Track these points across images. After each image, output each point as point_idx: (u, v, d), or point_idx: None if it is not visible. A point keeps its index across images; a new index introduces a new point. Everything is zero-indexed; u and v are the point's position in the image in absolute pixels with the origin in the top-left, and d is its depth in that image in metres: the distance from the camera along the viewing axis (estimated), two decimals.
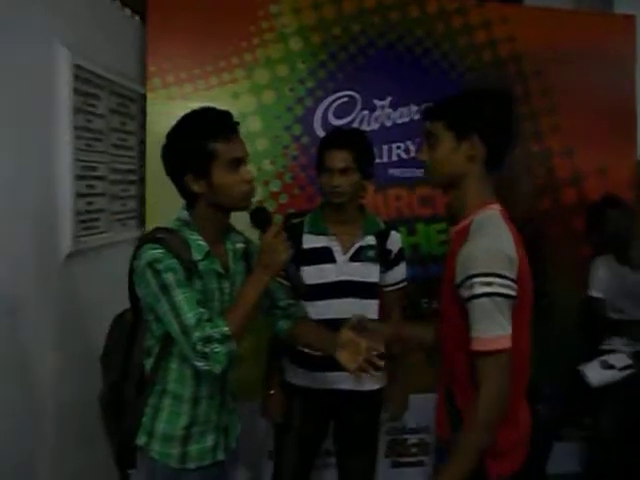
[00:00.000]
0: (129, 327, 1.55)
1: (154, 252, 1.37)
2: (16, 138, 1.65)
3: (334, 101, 2.72)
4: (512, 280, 1.23)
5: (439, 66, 2.81)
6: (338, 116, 2.72)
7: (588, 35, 2.95)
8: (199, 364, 1.34)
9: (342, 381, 1.91)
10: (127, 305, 2.47)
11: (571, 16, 3.03)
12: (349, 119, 2.73)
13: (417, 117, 2.76)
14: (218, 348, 1.32)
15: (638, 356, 2.44)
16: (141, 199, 2.60)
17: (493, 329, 1.22)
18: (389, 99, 2.76)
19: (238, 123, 1.48)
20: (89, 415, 2.08)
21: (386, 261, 2.03)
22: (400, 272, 2.08)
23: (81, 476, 2.07)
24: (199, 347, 1.31)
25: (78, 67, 1.95)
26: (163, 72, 2.57)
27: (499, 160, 1.35)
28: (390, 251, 2.03)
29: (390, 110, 2.76)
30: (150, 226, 2.54)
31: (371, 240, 1.99)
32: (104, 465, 2.28)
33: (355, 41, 2.74)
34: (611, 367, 2.53)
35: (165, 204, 2.53)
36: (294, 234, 1.90)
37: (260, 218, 1.46)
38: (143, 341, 1.51)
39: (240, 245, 1.60)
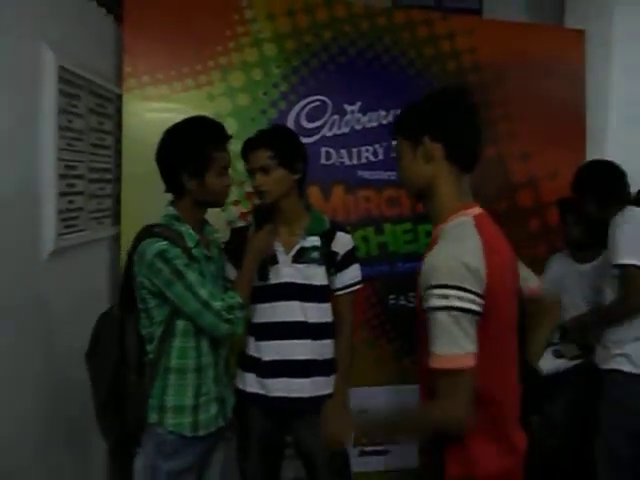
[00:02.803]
0: (118, 320, 1.65)
1: (160, 244, 1.58)
2: (1, 137, 1.69)
3: (306, 105, 2.82)
4: (475, 294, 1.16)
5: (406, 73, 2.95)
6: (310, 119, 2.82)
7: (542, 47, 3.16)
8: (224, 328, 1.61)
9: (291, 388, 1.87)
10: (105, 301, 2.54)
11: (527, 29, 3.23)
12: (320, 122, 2.84)
13: (385, 121, 2.89)
14: (239, 314, 1.63)
15: (586, 347, 2.63)
16: (116, 198, 2.64)
17: (449, 347, 1.16)
18: (359, 104, 2.88)
19: (230, 136, 1.75)
20: (74, 413, 2.13)
21: (333, 263, 1.95)
22: (349, 275, 1.98)
23: (67, 473, 2.11)
24: (224, 314, 1.59)
25: (62, 68, 1.99)
26: (139, 73, 2.61)
27: (465, 155, 1.30)
28: (336, 253, 1.94)
29: (360, 115, 2.89)
30: (125, 224, 2.59)
31: (315, 241, 1.92)
32: (91, 462, 2.33)
33: (327, 48, 2.85)
34: (562, 356, 2.72)
35: (140, 203, 2.61)
36: (238, 237, 1.96)
37: (263, 215, 1.80)
38: (133, 331, 1.66)
39: (217, 235, 1.90)
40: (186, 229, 1.68)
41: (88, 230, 2.33)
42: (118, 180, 2.63)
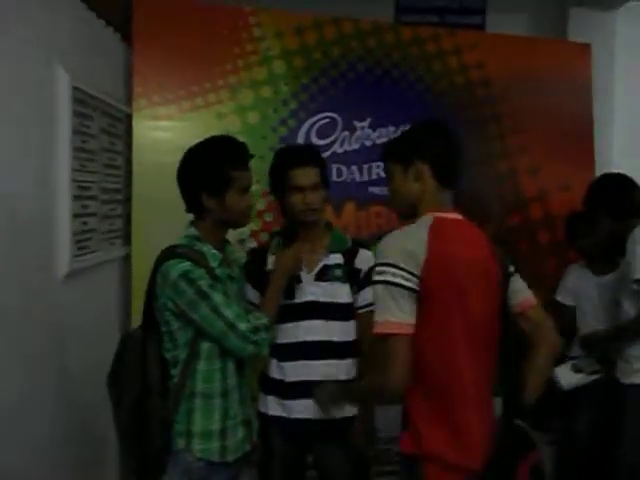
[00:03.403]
0: (141, 344, 1.61)
1: (183, 265, 1.54)
2: (17, 158, 1.67)
3: (316, 122, 2.82)
4: (409, 272, 1.35)
5: (415, 89, 2.95)
6: (320, 136, 2.82)
7: (550, 61, 3.17)
8: (249, 350, 1.58)
9: (310, 410, 1.81)
10: (116, 322, 2.52)
11: (534, 43, 3.25)
12: (331, 139, 2.83)
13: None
14: (264, 335, 1.60)
15: (606, 361, 2.60)
16: (127, 218, 2.61)
17: (382, 314, 1.34)
18: (368, 120, 2.88)
19: (252, 155, 1.72)
20: (88, 434, 2.09)
21: (355, 281, 1.93)
22: (371, 293, 1.98)
23: None
24: (250, 336, 1.56)
25: (76, 89, 1.98)
26: (149, 92, 2.60)
27: (447, 173, 1.51)
28: (359, 270, 1.93)
29: (370, 131, 2.88)
30: (136, 245, 2.56)
31: (337, 258, 1.91)
32: None
33: (335, 65, 2.85)
34: (581, 371, 2.69)
35: (150, 223, 2.59)
36: (258, 257, 1.94)
37: (291, 233, 1.80)
38: (156, 354, 1.62)
39: (238, 255, 1.87)
40: (208, 249, 1.64)
41: (100, 251, 2.30)
42: (128, 200, 2.61)
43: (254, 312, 1.65)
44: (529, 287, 1.62)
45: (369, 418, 1.93)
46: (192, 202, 1.67)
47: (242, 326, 1.55)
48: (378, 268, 1.38)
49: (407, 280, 1.35)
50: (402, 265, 1.35)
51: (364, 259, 1.94)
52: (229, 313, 1.55)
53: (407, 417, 1.43)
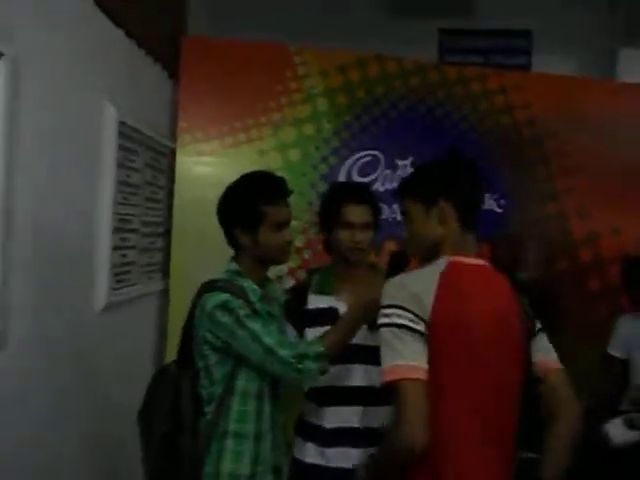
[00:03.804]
0: (174, 379, 1.57)
1: (222, 296, 1.52)
2: (62, 190, 1.69)
3: (358, 160, 2.79)
4: (414, 314, 1.22)
5: (458, 128, 2.91)
6: (362, 174, 2.79)
7: (600, 101, 3.08)
8: (292, 375, 1.50)
9: (350, 459, 1.70)
10: (152, 357, 2.48)
11: (582, 83, 3.18)
12: (372, 177, 2.80)
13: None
14: (312, 365, 1.49)
15: None
16: (167, 251, 2.61)
17: (390, 359, 1.21)
18: (410, 158, 2.84)
19: (291, 191, 1.66)
20: (115, 470, 2.04)
21: None
22: None
23: None
24: (292, 362, 1.48)
25: (122, 123, 2.00)
26: (193, 128, 2.64)
27: (470, 217, 1.36)
28: None
29: (411, 169, 2.83)
30: (174, 278, 2.55)
31: None
32: None
33: (378, 103, 2.84)
34: (635, 426, 2.51)
35: (189, 257, 2.59)
36: (299, 295, 1.87)
37: (398, 262, 1.62)
38: (189, 390, 1.57)
39: (279, 293, 1.81)
40: (249, 284, 1.60)
41: (139, 284, 2.29)
42: (168, 234, 2.61)
43: (311, 339, 1.59)
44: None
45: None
46: (229, 238, 1.65)
47: (282, 352, 1.49)
48: (383, 310, 1.26)
49: (415, 323, 1.22)
50: (407, 306, 1.23)
51: None
52: (269, 340, 1.49)
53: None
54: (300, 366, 1.48)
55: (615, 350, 2.74)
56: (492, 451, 1.27)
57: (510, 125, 2.97)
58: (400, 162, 2.84)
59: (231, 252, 1.69)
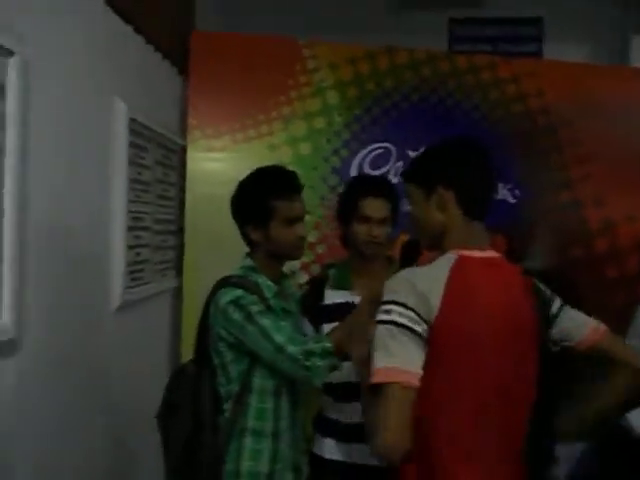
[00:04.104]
0: (193, 378, 1.56)
1: (235, 292, 1.51)
2: (75, 189, 1.68)
3: (369, 152, 2.77)
4: (418, 315, 1.13)
5: (470, 118, 2.87)
6: (374, 167, 2.76)
7: (613, 88, 3.03)
8: (300, 375, 1.47)
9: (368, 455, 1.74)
10: (168, 356, 2.48)
11: (595, 70, 3.13)
12: (384, 170, 2.77)
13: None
14: (320, 362, 1.44)
15: None
16: (179, 249, 2.61)
17: (382, 359, 1.12)
18: (422, 150, 2.80)
19: (302, 185, 1.64)
20: (135, 470, 2.04)
21: None
22: None
23: None
24: (300, 359, 1.44)
25: (133, 120, 1.99)
26: (203, 125, 2.62)
27: (475, 202, 1.29)
28: None
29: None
30: (187, 276, 2.54)
31: None
32: None
33: (388, 95, 2.81)
34: None
35: (202, 254, 2.58)
36: (316, 289, 1.86)
37: (410, 252, 1.58)
38: (208, 388, 1.57)
39: (295, 289, 1.80)
40: (263, 280, 1.59)
41: (153, 282, 2.29)
42: (180, 231, 2.60)
43: (318, 336, 1.56)
44: None
45: None
46: (243, 234, 1.64)
47: (291, 349, 1.45)
48: (384, 306, 1.16)
49: (416, 324, 1.13)
50: (411, 305, 1.14)
51: None
52: (278, 337, 1.46)
53: None
54: (308, 363, 1.45)
55: (634, 340, 2.70)
56: (506, 466, 1.20)
57: (523, 113, 2.92)
58: (412, 154, 2.80)
59: (245, 248, 1.68)
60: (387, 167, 2.78)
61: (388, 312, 1.15)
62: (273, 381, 1.56)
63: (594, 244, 2.96)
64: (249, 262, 1.63)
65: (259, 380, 1.55)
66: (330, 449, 1.78)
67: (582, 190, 2.94)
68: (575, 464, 2.76)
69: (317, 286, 1.87)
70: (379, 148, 2.78)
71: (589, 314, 2.95)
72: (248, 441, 1.54)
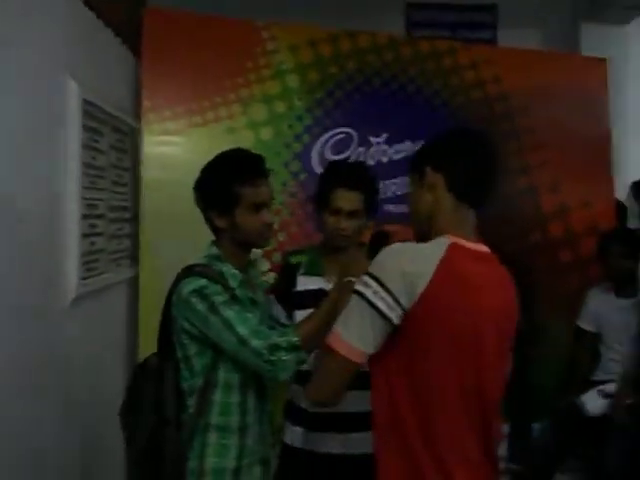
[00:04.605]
0: (156, 372, 1.49)
1: (199, 281, 1.44)
2: (25, 173, 1.55)
3: (331, 137, 2.72)
4: (394, 299, 1.11)
5: (431, 104, 2.87)
6: (335, 152, 2.72)
7: (566, 75, 3.10)
8: (264, 370, 1.40)
9: (346, 444, 1.69)
10: (126, 349, 2.38)
11: (551, 57, 3.19)
12: (346, 155, 2.73)
13: (412, 153, 2.78)
14: (285, 356, 1.39)
15: (634, 385, 2.48)
16: (135, 237, 2.49)
17: (341, 328, 1.14)
18: (384, 136, 2.79)
19: (269, 169, 1.57)
20: (95, 468, 1.95)
21: None
22: None
23: None
24: (264, 353, 1.38)
25: (86, 102, 1.87)
26: (158, 107, 2.50)
27: (466, 188, 1.26)
28: None
29: (386, 146, 2.79)
30: (144, 265, 2.44)
31: None
32: None
33: (351, 79, 2.77)
34: (608, 396, 2.57)
35: (159, 242, 2.47)
36: (289, 275, 1.83)
37: (380, 244, 1.47)
38: (172, 383, 1.50)
39: (262, 278, 1.74)
40: (228, 269, 1.52)
41: (108, 273, 2.17)
42: (135, 219, 2.49)
43: (285, 328, 1.50)
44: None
45: None
46: (207, 221, 1.56)
47: (255, 342, 1.39)
48: (366, 277, 1.14)
49: (389, 308, 1.10)
50: (392, 287, 1.11)
51: None
52: (243, 329, 1.40)
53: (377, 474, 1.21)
54: (272, 358, 1.39)
55: (585, 324, 2.80)
56: (488, 467, 1.21)
57: (482, 100, 2.94)
58: (374, 139, 2.78)
59: (203, 235, 1.59)
60: (349, 152, 2.74)
61: (367, 286, 1.13)
62: (239, 374, 1.49)
63: (549, 229, 3.03)
64: (213, 250, 1.55)
65: (224, 374, 1.49)
66: (299, 438, 1.75)
67: (538, 176, 3.00)
68: (533, 440, 2.85)
69: (289, 272, 1.82)
70: (341, 133, 2.73)
71: (544, 298, 3.05)
72: (213, 437, 1.48)
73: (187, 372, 1.50)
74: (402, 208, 2.78)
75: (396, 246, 1.19)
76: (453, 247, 1.17)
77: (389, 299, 1.11)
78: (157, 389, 1.49)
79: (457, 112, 2.88)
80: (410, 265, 1.12)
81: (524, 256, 2.96)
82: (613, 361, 2.69)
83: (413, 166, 1.32)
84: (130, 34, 2.43)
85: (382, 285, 1.11)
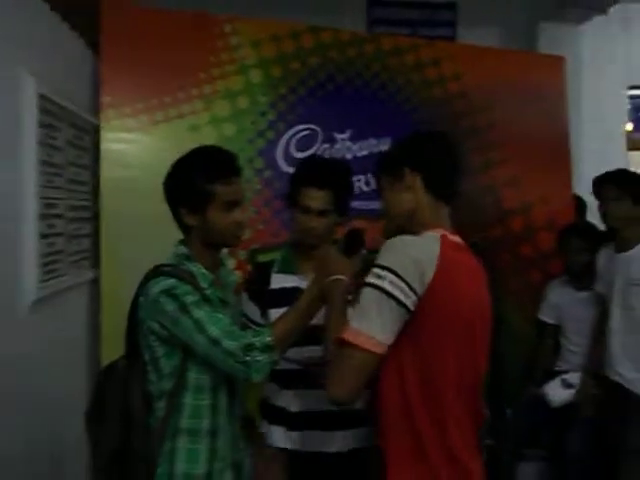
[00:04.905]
0: (122, 376, 1.46)
1: (168, 282, 1.40)
2: None
3: (295, 134, 2.70)
4: (410, 287, 1.15)
5: (394, 100, 2.88)
6: (300, 149, 2.70)
7: (525, 73, 3.15)
8: (238, 370, 1.37)
9: (322, 443, 1.69)
10: (88, 352, 2.31)
11: (510, 55, 3.24)
12: (311, 152, 2.71)
13: (377, 150, 2.80)
14: (259, 357, 1.36)
15: (595, 375, 2.56)
16: (95, 237, 2.42)
17: (361, 322, 1.15)
18: (349, 132, 2.78)
19: (241, 168, 1.54)
20: (59, 475, 1.89)
21: None
22: None
23: None
24: (238, 354, 1.35)
25: (42, 97, 1.80)
26: (118, 103, 2.43)
27: (442, 186, 1.33)
28: None
29: (350, 143, 2.78)
30: (106, 266, 2.37)
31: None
32: None
33: (314, 75, 2.75)
34: (570, 386, 2.64)
35: (121, 242, 2.40)
36: (262, 273, 1.81)
37: (354, 242, 1.48)
38: (140, 386, 1.46)
39: (233, 278, 1.68)
40: (198, 269, 1.49)
41: (69, 275, 2.11)
42: (95, 218, 2.42)
43: (260, 328, 1.47)
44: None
45: None
46: (176, 219, 1.52)
47: (227, 343, 1.36)
48: (377, 270, 1.16)
49: (405, 295, 1.14)
50: (405, 276, 1.14)
51: None
52: (214, 330, 1.37)
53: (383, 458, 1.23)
54: (247, 358, 1.35)
55: (546, 316, 2.87)
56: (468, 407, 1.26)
57: (443, 97, 2.97)
58: (338, 136, 2.77)
59: (168, 235, 1.55)
60: (314, 149, 2.72)
61: (381, 277, 1.15)
62: (210, 376, 1.46)
63: (510, 225, 3.09)
64: (183, 250, 1.51)
65: (194, 375, 1.45)
66: (280, 438, 1.73)
67: (498, 173, 3.05)
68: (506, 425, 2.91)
69: (263, 270, 1.80)
70: (305, 129, 2.72)
71: (507, 291, 3.10)
72: (183, 441, 1.45)
73: (155, 375, 1.46)
74: (368, 204, 2.79)
75: (399, 238, 1.23)
76: (444, 239, 1.24)
77: (405, 287, 1.15)
78: (124, 393, 1.46)
79: (419, 109, 2.90)
80: (420, 254, 1.18)
81: (487, 251, 3.01)
82: (572, 352, 2.77)
83: (387, 167, 1.37)
84: (88, 28, 2.35)
85: (397, 275, 1.15)
